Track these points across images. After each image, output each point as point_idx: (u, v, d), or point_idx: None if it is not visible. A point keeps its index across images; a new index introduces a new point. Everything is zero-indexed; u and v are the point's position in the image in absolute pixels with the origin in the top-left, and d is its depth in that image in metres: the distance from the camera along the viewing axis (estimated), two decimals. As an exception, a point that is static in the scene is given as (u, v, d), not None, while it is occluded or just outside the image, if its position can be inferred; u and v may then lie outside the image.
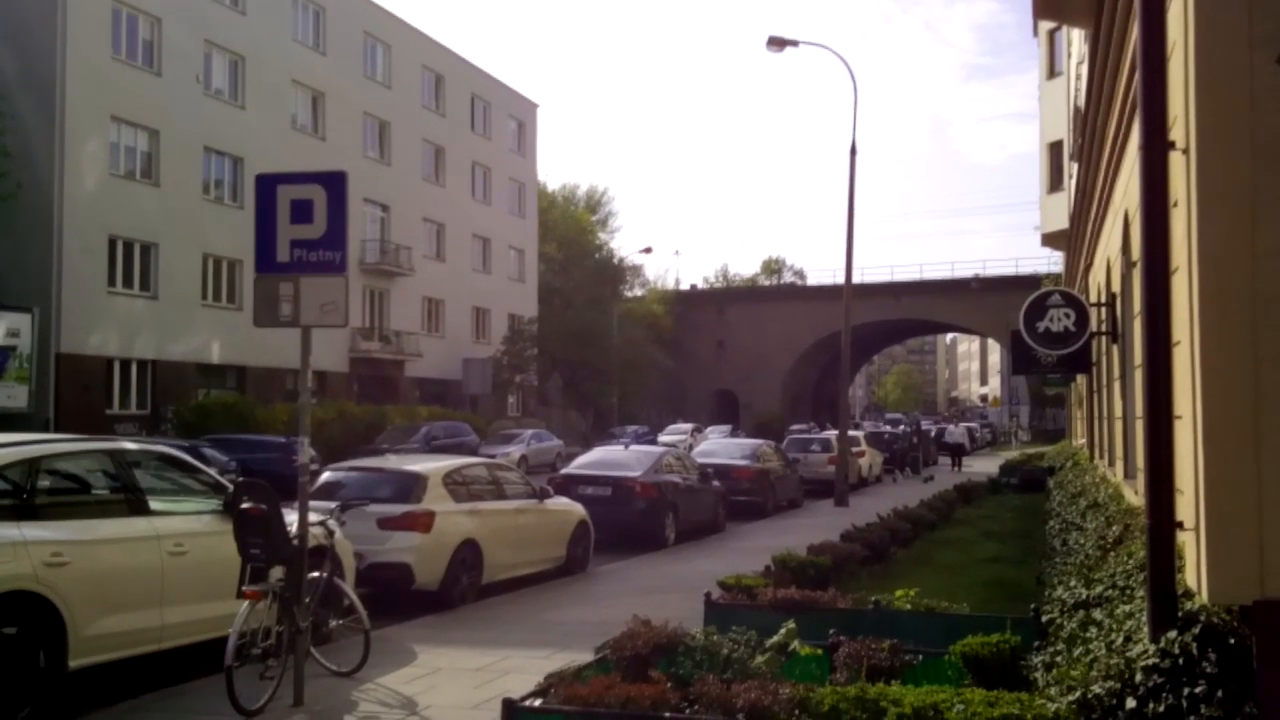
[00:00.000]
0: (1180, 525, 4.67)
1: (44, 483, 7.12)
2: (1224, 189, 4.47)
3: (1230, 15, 4.48)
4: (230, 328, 35.16)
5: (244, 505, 6.93)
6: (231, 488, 7.76)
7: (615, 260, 69.89)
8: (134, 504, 7.43)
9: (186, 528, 7.70)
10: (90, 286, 31.00)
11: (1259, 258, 4.41)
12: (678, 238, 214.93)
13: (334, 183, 7.26)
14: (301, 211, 7.18)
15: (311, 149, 39.33)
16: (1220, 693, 4.04)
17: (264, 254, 7.26)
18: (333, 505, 8.93)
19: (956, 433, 43.33)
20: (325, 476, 11.75)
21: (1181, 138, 4.75)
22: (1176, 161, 4.80)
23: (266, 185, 7.34)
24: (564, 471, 17.50)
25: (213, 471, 9.02)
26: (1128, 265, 9.16)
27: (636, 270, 74.67)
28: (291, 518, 7.30)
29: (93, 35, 31.17)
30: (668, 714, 4.71)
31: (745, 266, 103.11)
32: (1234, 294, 4.43)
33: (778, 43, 24.79)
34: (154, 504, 7.60)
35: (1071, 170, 20.85)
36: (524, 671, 7.29)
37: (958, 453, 39.58)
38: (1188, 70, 4.64)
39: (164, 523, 7.54)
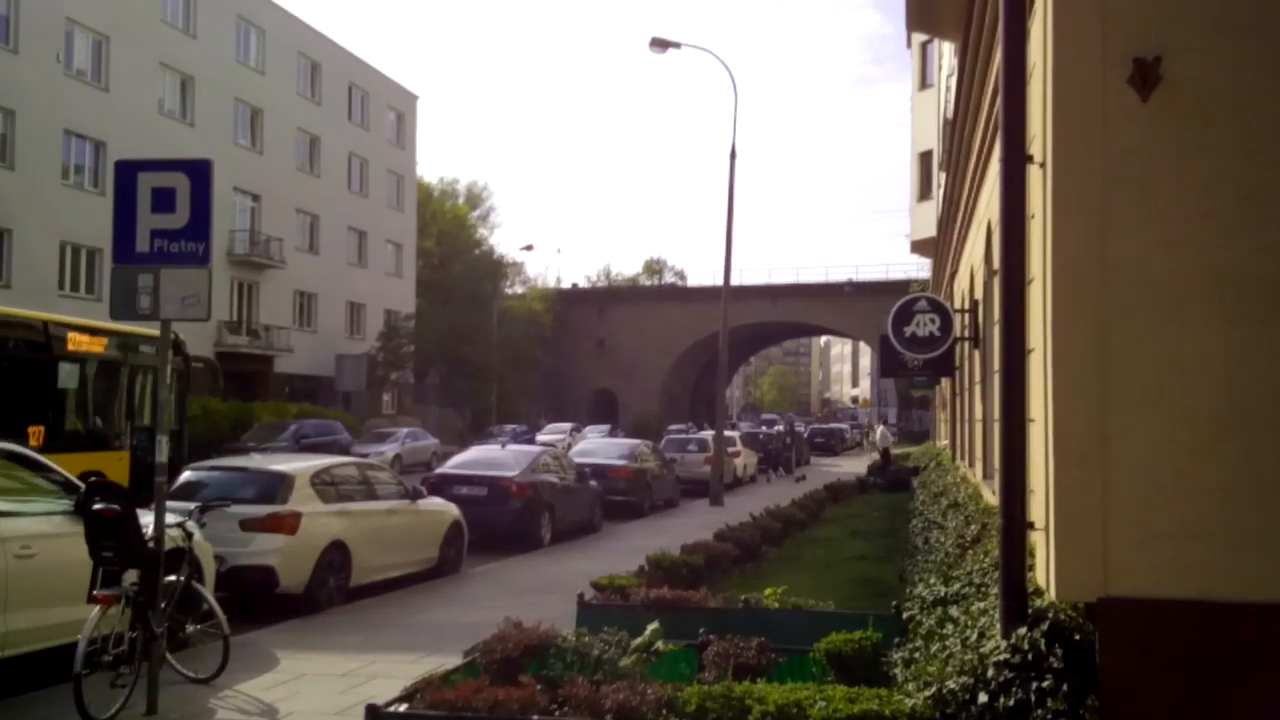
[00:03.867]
0: (1032, 525, 4.86)
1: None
2: (1077, 203, 4.66)
3: (1085, 38, 4.67)
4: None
5: (96, 506, 6.64)
6: (84, 487, 7.42)
7: (495, 257, 69.33)
8: (-24, 504, 7.04)
9: (34, 529, 7.33)
10: (-65, 273, 29.30)
11: (1109, 269, 4.61)
12: (560, 236, 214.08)
13: (198, 171, 7.04)
14: (164, 200, 6.94)
15: (180, 134, 37.86)
16: (1066, 686, 4.22)
17: (123, 244, 6.99)
18: (192, 506, 8.62)
19: (883, 435, 36.64)
20: (185, 476, 11.32)
21: (1040, 153, 4.94)
22: (1035, 175, 4.99)
23: (126, 172, 7.08)
24: (439, 471, 17.26)
25: (64, 470, 8.61)
26: (990, 274, 9.50)
27: (517, 267, 74.28)
28: (147, 519, 7.01)
29: (-60, 7, 29.47)
30: (535, 717, 4.69)
31: (627, 266, 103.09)
32: (1085, 304, 4.62)
33: (660, 44, 25.09)
34: (-1, 504, 7.22)
35: (940, 180, 21.53)
36: (391, 676, 7.16)
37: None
38: (1046, 89, 4.82)
39: (10, 524, 7.16)
